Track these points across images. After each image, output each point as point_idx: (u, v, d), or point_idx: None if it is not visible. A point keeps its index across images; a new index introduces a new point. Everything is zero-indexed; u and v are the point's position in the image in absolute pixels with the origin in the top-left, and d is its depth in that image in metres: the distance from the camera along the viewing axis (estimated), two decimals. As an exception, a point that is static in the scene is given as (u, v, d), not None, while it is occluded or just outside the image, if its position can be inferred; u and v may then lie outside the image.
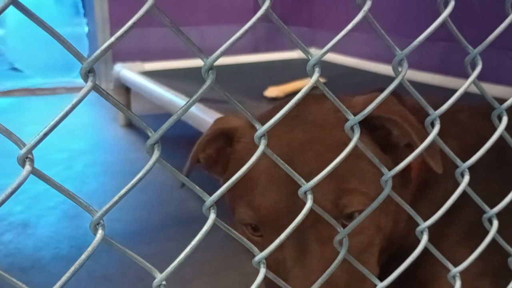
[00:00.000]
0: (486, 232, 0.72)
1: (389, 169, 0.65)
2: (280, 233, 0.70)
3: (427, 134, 0.73)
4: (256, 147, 0.75)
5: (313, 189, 0.68)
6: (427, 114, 0.72)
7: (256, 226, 0.74)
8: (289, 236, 0.70)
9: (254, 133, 0.78)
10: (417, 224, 0.66)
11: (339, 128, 0.71)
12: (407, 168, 0.81)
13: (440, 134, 0.66)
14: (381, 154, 0.76)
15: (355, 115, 0.73)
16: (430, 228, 0.67)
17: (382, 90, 0.62)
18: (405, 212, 0.74)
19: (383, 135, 0.78)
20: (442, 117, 0.65)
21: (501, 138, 0.71)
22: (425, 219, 0.66)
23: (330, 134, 0.75)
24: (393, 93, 0.59)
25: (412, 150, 0.70)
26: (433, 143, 0.70)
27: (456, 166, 0.71)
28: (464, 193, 0.68)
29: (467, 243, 0.80)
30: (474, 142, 0.74)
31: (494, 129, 0.70)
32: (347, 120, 0.72)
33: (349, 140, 0.73)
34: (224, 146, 0.84)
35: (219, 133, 0.84)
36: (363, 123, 0.76)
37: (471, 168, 0.69)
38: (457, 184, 0.70)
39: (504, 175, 0.86)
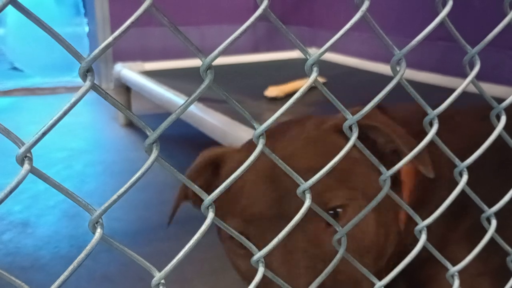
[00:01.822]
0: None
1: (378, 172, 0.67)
2: (265, 239, 0.71)
3: (415, 142, 0.73)
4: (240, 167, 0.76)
5: (296, 184, 0.69)
6: (418, 124, 0.73)
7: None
8: (271, 238, 0.72)
9: (238, 156, 0.81)
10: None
11: (320, 142, 0.74)
12: (396, 174, 0.82)
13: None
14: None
15: (337, 126, 0.75)
16: (434, 231, 0.67)
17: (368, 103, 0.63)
18: (398, 222, 0.75)
19: (368, 145, 0.78)
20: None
21: (500, 138, 0.71)
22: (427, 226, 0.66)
23: (313, 146, 0.77)
24: (378, 106, 0.59)
25: (399, 157, 0.72)
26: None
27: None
28: (468, 195, 0.68)
29: (471, 246, 0.79)
30: (466, 146, 0.74)
31: (488, 130, 0.70)
32: (329, 133, 0.75)
33: (331, 147, 0.75)
34: (212, 179, 0.86)
35: (206, 164, 0.85)
36: (345, 136, 0.78)
37: (477, 171, 0.68)
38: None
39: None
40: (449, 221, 0.82)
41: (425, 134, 0.80)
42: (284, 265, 0.70)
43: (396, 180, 0.82)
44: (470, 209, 0.73)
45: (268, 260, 0.71)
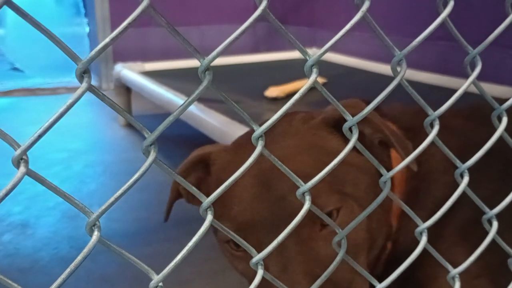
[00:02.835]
0: (482, 231, 0.71)
1: (369, 170, 0.71)
2: (261, 245, 0.70)
3: (401, 136, 0.75)
4: (230, 167, 0.76)
5: (289, 188, 0.69)
6: (408, 122, 0.81)
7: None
8: (267, 243, 0.72)
9: (227, 156, 0.81)
10: (406, 229, 0.66)
11: (310, 135, 0.73)
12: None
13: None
14: (359, 156, 0.76)
15: (325, 119, 0.76)
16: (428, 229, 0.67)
17: (364, 100, 0.63)
18: (386, 218, 0.76)
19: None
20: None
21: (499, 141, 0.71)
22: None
23: (304, 145, 0.77)
24: (368, 102, 0.59)
25: (387, 148, 0.76)
26: (405, 143, 0.72)
27: (444, 172, 0.76)
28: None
29: (464, 243, 0.80)
30: (459, 146, 0.75)
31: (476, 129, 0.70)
32: (317, 127, 0.75)
33: (322, 142, 0.75)
34: (204, 176, 0.87)
35: (196, 161, 0.87)
36: (337, 129, 0.77)
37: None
38: (447, 190, 0.71)
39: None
40: (442, 219, 0.82)
41: (414, 132, 0.81)
42: (282, 271, 0.69)
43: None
44: (463, 205, 0.73)
45: (265, 266, 0.71)
